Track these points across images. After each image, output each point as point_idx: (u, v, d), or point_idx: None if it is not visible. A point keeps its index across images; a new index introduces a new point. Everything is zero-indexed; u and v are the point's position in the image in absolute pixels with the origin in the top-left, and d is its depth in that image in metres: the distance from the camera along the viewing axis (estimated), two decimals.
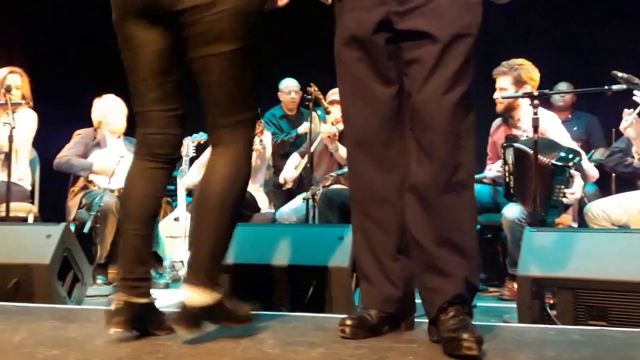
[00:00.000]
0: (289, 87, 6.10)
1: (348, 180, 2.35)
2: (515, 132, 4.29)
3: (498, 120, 4.59)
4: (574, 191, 3.90)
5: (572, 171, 3.88)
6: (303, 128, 5.61)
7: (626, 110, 3.78)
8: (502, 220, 4.06)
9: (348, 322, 2.01)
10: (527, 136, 4.05)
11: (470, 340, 1.74)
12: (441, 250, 1.95)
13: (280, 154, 5.69)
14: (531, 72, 4.29)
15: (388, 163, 2.12)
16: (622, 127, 3.81)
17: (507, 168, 4.09)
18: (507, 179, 4.11)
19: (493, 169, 4.40)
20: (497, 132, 4.56)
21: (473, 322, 1.92)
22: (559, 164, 3.83)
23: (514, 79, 4.26)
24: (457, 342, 1.76)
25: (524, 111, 4.31)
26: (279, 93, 6.07)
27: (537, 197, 3.55)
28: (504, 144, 4.12)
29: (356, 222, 2.20)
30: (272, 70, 5.89)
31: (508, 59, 4.41)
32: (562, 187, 3.85)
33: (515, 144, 4.00)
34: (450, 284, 1.93)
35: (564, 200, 3.85)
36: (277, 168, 5.50)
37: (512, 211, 4.01)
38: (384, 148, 2.12)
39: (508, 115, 4.45)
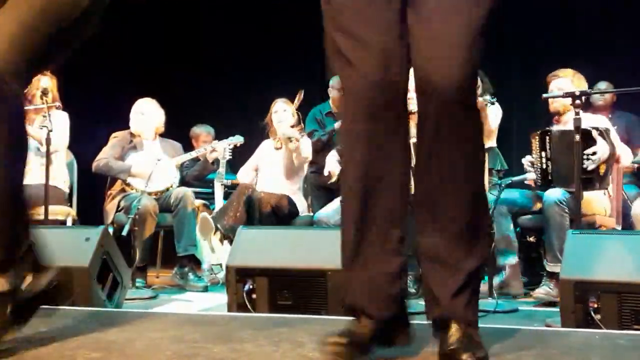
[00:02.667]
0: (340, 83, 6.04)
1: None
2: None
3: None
4: (592, 151, 3.87)
5: (597, 135, 3.90)
6: (339, 123, 5.56)
7: None
8: (544, 206, 4.03)
9: (334, 339, 1.69)
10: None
11: None
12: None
13: (320, 148, 5.64)
14: (583, 82, 4.33)
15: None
16: None
17: (544, 154, 4.09)
18: (544, 166, 4.08)
19: (525, 161, 4.39)
20: None
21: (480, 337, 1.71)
22: (586, 128, 3.82)
23: (572, 82, 4.27)
24: None
25: (572, 114, 4.25)
26: (329, 89, 5.99)
27: (579, 176, 3.51)
28: (540, 131, 4.10)
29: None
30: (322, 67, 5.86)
31: (550, 60, 4.41)
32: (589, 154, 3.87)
33: (555, 128, 3.98)
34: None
35: (586, 162, 3.80)
36: (319, 166, 5.46)
37: (554, 193, 3.99)
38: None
39: (556, 118, 4.44)
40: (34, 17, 1.84)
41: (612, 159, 3.98)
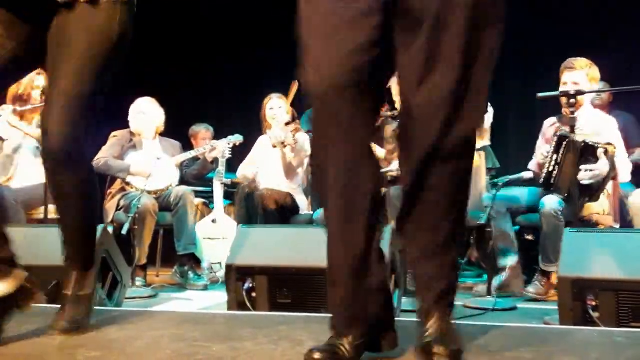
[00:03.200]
0: None
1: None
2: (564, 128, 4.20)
3: (552, 119, 4.50)
4: (592, 168, 3.83)
5: (600, 152, 3.83)
6: None
7: None
8: (541, 211, 4.01)
9: (316, 355, 1.63)
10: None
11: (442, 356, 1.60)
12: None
13: None
14: (597, 74, 4.25)
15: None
16: None
17: (555, 157, 4.03)
18: (551, 168, 4.05)
19: (542, 149, 4.31)
20: (551, 129, 4.44)
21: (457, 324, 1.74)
22: (590, 143, 3.82)
23: (588, 75, 4.18)
24: (428, 355, 1.62)
25: (583, 111, 4.23)
26: None
27: (575, 185, 3.50)
28: (561, 134, 4.03)
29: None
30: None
31: (546, 59, 4.37)
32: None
33: (575, 137, 3.91)
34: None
35: (578, 176, 3.79)
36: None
37: (550, 203, 3.97)
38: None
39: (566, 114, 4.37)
40: (80, 72, 1.98)
41: (608, 179, 3.95)
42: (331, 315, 1.76)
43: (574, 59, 4.25)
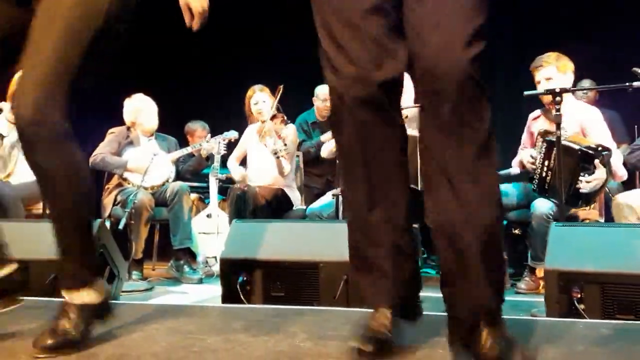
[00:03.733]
0: (325, 93, 6.02)
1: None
2: (548, 130, 4.20)
3: (537, 111, 4.49)
4: (591, 179, 3.83)
5: (597, 162, 3.82)
6: (325, 137, 5.49)
7: None
8: (532, 214, 4.00)
9: (366, 348, 1.63)
10: (565, 135, 3.92)
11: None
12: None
13: (307, 162, 5.62)
14: (569, 63, 4.23)
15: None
16: None
17: (547, 163, 4.02)
18: (544, 174, 4.04)
19: (525, 156, 4.30)
20: (536, 123, 4.43)
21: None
22: (587, 151, 3.78)
23: (558, 68, 4.18)
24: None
25: (566, 107, 4.23)
26: (314, 98, 5.90)
27: (562, 187, 3.49)
28: (549, 139, 4.03)
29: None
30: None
31: (532, 57, 4.35)
32: (586, 175, 3.80)
33: (564, 142, 3.91)
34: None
35: (578, 186, 3.79)
36: (307, 159, 5.47)
37: (543, 205, 3.96)
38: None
39: (550, 109, 4.37)
40: (61, 48, 1.80)
41: (605, 184, 3.96)
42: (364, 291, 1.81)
43: (541, 56, 4.26)
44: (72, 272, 1.90)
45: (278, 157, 4.80)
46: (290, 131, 5.08)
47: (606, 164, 3.84)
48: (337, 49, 1.69)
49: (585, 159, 3.81)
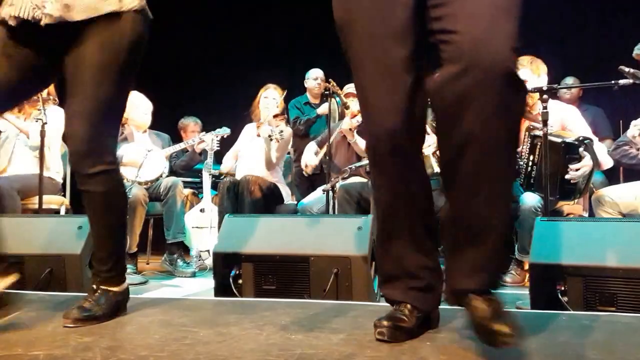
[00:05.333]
0: (315, 74, 6.15)
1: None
2: (534, 125, 4.23)
3: None
4: (579, 166, 3.85)
5: (582, 151, 3.84)
6: (322, 109, 5.64)
7: (635, 122, 3.74)
8: (519, 207, 4.02)
9: (386, 322, 1.75)
10: (551, 132, 3.94)
11: (506, 334, 1.54)
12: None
13: (301, 134, 5.71)
14: (542, 66, 4.25)
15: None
16: (629, 134, 3.76)
17: (532, 158, 4.04)
18: (529, 169, 4.06)
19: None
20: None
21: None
22: (570, 141, 3.81)
23: (532, 71, 4.20)
24: (492, 334, 1.56)
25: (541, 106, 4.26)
26: (305, 81, 6.16)
27: (548, 181, 3.51)
28: (533, 134, 4.05)
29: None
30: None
31: (518, 54, 4.36)
32: (575, 164, 3.84)
33: (549, 137, 3.94)
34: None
35: (567, 176, 3.81)
36: (299, 152, 5.47)
37: (530, 199, 3.98)
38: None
39: (527, 109, 4.39)
40: (98, 83, 2.01)
41: (592, 173, 3.98)
42: (384, 289, 1.90)
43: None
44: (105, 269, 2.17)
45: (271, 140, 4.82)
46: (287, 132, 5.08)
47: (590, 152, 3.87)
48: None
49: (570, 149, 3.83)
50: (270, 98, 5.17)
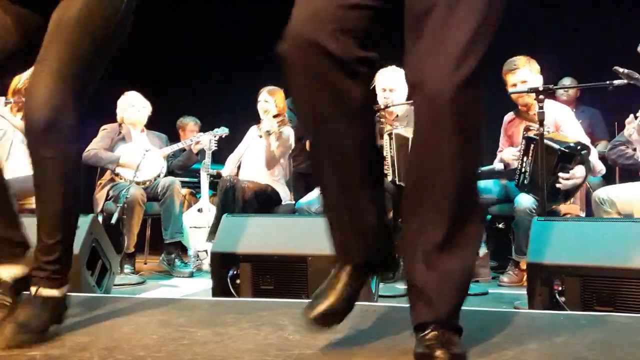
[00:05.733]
0: None
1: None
2: (531, 125, 4.23)
3: (511, 114, 4.55)
4: (569, 176, 3.85)
5: (575, 163, 3.85)
6: None
7: (628, 120, 3.73)
8: (515, 208, 4.03)
9: (319, 308, 1.66)
10: (547, 131, 3.95)
11: (442, 358, 1.45)
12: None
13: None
14: (537, 65, 4.30)
15: None
16: (626, 133, 3.77)
17: (525, 159, 4.04)
18: (523, 169, 4.07)
19: (506, 154, 4.35)
20: (512, 126, 4.49)
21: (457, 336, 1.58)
22: (567, 151, 3.79)
23: (531, 70, 4.22)
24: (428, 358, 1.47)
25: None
26: None
27: (544, 184, 3.52)
28: (528, 136, 4.05)
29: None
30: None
31: (513, 54, 4.38)
32: (566, 173, 3.84)
33: (546, 141, 3.93)
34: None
35: (557, 185, 3.82)
36: (296, 154, 5.46)
37: (525, 201, 3.99)
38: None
39: (524, 109, 4.41)
40: (76, 49, 1.85)
41: (584, 181, 3.99)
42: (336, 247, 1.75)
43: (513, 60, 4.30)
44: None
45: (270, 135, 4.82)
46: (288, 132, 5.06)
47: (585, 162, 3.87)
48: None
49: (565, 158, 3.83)
50: (262, 101, 5.17)
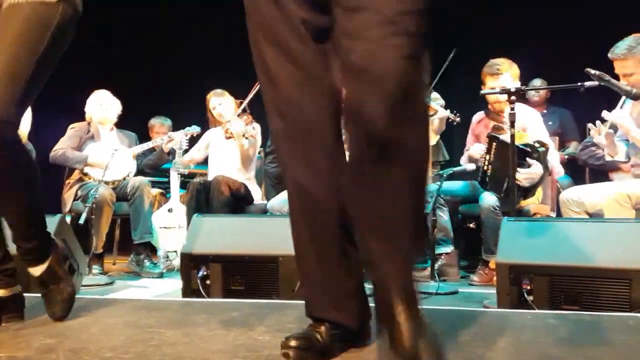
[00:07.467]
0: None
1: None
2: (499, 125, 4.30)
3: (480, 114, 4.61)
4: (527, 174, 3.91)
5: (531, 159, 3.92)
6: None
7: (593, 126, 3.78)
8: (480, 207, 4.09)
9: (293, 343, 1.55)
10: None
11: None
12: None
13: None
14: (517, 70, 4.35)
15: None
16: (596, 140, 3.83)
17: (488, 158, 4.11)
18: (485, 168, 4.14)
19: (473, 150, 4.41)
20: (480, 126, 4.56)
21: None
22: (522, 147, 3.88)
23: (512, 75, 4.28)
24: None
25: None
26: None
27: (506, 183, 3.58)
28: (490, 134, 4.13)
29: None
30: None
31: (485, 57, 4.43)
32: (523, 169, 3.91)
33: (501, 137, 4.02)
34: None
35: (519, 177, 3.88)
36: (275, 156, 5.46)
37: (488, 199, 4.05)
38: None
39: (494, 110, 4.46)
40: (16, 56, 1.88)
41: (543, 178, 4.05)
42: (305, 303, 1.70)
43: (495, 63, 4.33)
44: None
45: (246, 138, 4.83)
46: (257, 128, 5.06)
47: (542, 161, 3.94)
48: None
49: (520, 155, 3.89)
50: (217, 106, 5.17)
